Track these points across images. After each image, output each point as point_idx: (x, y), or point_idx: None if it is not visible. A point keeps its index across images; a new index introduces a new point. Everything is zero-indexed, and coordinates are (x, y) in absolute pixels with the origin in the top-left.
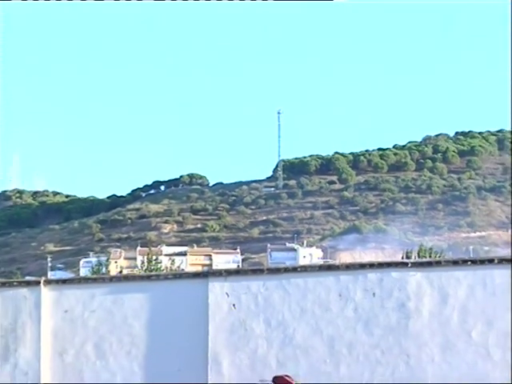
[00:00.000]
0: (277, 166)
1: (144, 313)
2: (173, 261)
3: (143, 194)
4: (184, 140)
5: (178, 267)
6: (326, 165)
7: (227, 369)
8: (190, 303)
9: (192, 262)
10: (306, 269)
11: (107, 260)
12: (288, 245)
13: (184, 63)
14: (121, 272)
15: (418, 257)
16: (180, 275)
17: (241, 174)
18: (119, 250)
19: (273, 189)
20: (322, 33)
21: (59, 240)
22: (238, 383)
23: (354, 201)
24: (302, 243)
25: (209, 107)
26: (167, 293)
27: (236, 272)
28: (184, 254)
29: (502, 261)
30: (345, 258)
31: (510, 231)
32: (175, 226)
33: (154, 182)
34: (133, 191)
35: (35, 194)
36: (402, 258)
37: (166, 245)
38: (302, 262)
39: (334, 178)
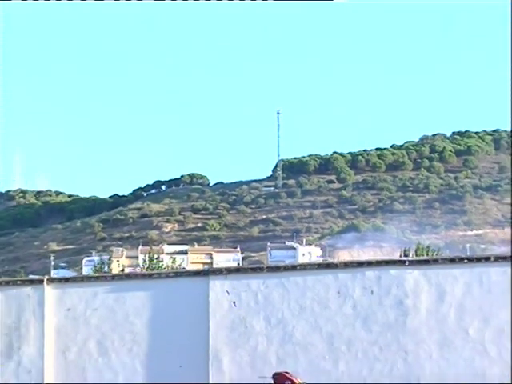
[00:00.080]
0: (276, 166)
1: (146, 311)
2: (174, 259)
3: (145, 194)
4: (185, 140)
5: (179, 266)
6: (325, 164)
7: (228, 366)
8: (190, 301)
9: (193, 260)
10: (305, 267)
11: (109, 259)
12: (287, 243)
13: (184, 63)
14: (123, 271)
15: (416, 255)
16: (181, 273)
17: (241, 174)
18: (121, 248)
19: (272, 188)
20: (321, 33)
21: (62, 239)
22: (239, 380)
23: (353, 200)
24: (301, 242)
25: (209, 108)
26: (168, 291)
27: (236, 270)
28: (185, 252)
29: (499, 259)
30: (343, 256)
31: (505, 229)
32: (176, 225)
33: (155, 182)
34: (134, 191)
35: (38, 193)
36: (400, 256)
37: (168, 243)
38: (301, 260)
39: (333, 177)
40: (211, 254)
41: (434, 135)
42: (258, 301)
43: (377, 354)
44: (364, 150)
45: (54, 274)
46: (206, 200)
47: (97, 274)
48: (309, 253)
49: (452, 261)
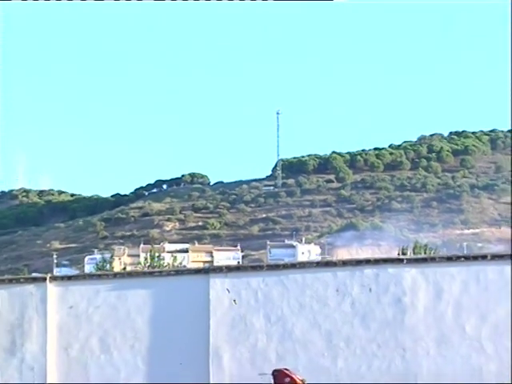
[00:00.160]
0: (276, 166)
1: (147, 308)
2: (175, 258)
3: (146, 193)
4: (185, 140)
5: (180, 264)
6: (324, 164)
7: (228, 362)
8: (191, 299)
9: (193, 258)
10: (304, 265)
11: (111, 257)
12: (287, 242)
13: (184, 63)
14: (124, 269)
15: (414, 253)
16: (182, 272)
17: (241, 173)
18: (123, 247)
19: (272, 187)
20: (320, 33)
21: (64, 238)
22: (239, 377)
23: (351, 199)
24: (301, 240)
25: (209, 108)
26: (169, 289)
27: (236, 268)
28: (186, 251)
29: (495, 257)
30: (342, 254)
31: (502, 228)
32: (177, 223)
33: (156, 181)
34: (136, 190)
35: (41, 193)
36: (398, 254)
37: (169, 242)
38: (301, 258)
39: (332, 176)
40: (212, 252)
41: (431, 135)
42: (257, 298)
43: (375, 351)
44: (362, 150)
45: (56, 272)
46: (207, 199)
47: (99, 272)
48: (308, 251)
49: (449, 259)
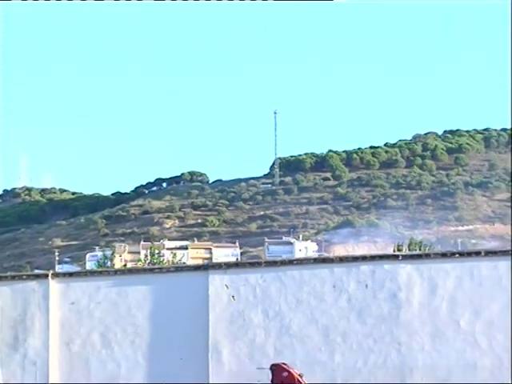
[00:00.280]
0: (273, 164)
1: (147, 304)
2: (174, 254)
3: (146, 191)
4: (185, 139)
5: (180, 261)
6: (321, 162)
7: (227, 357)
8: (191, 295)
9: (193, 255)
10: (301, 261)
11: (112, 254)
12: (284, 239)
13: (184, 64)
14: (125, 265)
15: (409, 250)
16: (181, 268)
17: (239, 172)
18: (123, 244)
19: (270, 185)
20: (318, 33)
21: (66, 235)
22: (238, 371)
23: (348, 196)
24: (298, 237)
25: (208, 108)
26: (169, 285)
27: (235, 265)
28: (185, 247)
29: (489, 253)
30: (339, 251)
31: (496, 225)
32: (177, 221)
33: (156, 180)
34: (136, 188)
35: (43, 191)
36: (394, 250)
37: (168, 239)
38: (298, 255)
39: (328, 174)
40: (211, 249)
41: (426, 134)
42: (256, 294)
43: (371, 346)
44: (358, 148)
45: (58, 268)
46: (206, 197)
47: (100, 269)
48: (305, 248)
49: (444, 255)
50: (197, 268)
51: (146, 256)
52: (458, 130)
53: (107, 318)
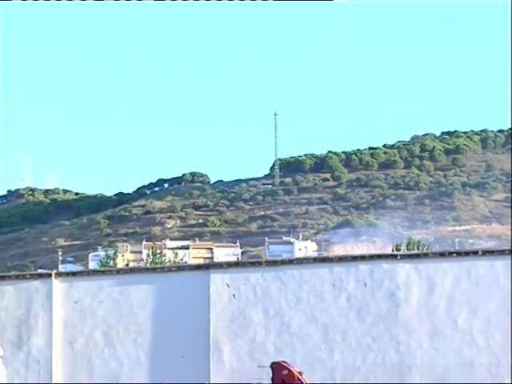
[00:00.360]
0: (274, 165)
1: (149, 303)
2: (176, 254)
3: (148, 192)
4: (186, 140)
5: (181, 260)
6: (320, 163)
7: (228, 355)
8: (192, 294)
9: (194, 255)
10: (301, 261)
11: (114, 253)
12: (284, 238)
13: (185, 65)
14: (127, 265)
15: (407, 249)
16: (183, 267)
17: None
18: (126, 244)
19: (270, 186)
20: (318, 33)
21: (69, 235)
22: (238, 369)
23: (347, 197)
24: (298, 237)
25: (209, 109)
26: (171, 284)
27: (236, 264)
28: (187, 247)
29: (486, 253)
30: (338, 250)
31: (493, 225)
32: (178, 221)
33: (158, 180)
34: (138, 189)
35: (47, 191)
36: (392, 250)
37: (170, 239)
38: (298, 254)
39: (328, 175)
40: (212, 248)
41: (424, 135)
42: (256, 293)
43: (370, 344)
44: (357, 149)
45: (61, 268)
46: (207, 197)
47: (102, 269)
48: (305, 247)
49: (441, 255)
50: (198, 267)
51: (148, 255)
52: (455, 131)
53: (110, 316)
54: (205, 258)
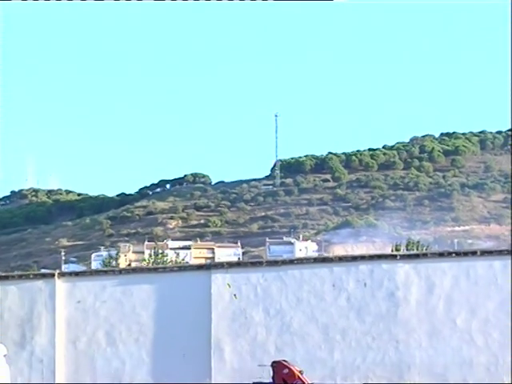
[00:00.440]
0: (274, 166)
1: (151, 303)
2: (178, 254)
3: (150, 192)
4: (188, 141)
5: (183, 260)
6: (321, 164)
7: (229, 354)
8: (194, 294)
9: (196, 255)
10: (301, 261)
11: (117, 254)
12: (285, 239)
13: (186, 66)
14: (129, 265)
15: (406, 249)
16: (184, 268)
17: (241, 173)
18: (128, 244)
19: (271, 187)
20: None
21: (72, 235)
22: (239, 368)
23: (347, 197)
24: (298, 237)
25: (211, 111)
26: (173, 284)
27: (237, 264)
28: (188, 247)
29: (485, 253)
30: (338, 250)
31: (491, 225)
32: (180, 221)
33: (160, 181)
34: (140, 189)
35: (50, 192)
36: (392, 250)
37: (172, 239)
38: (299, 254)
39: (328, 176)
40: (213, 249)
41: (423, 136)
42: (257, 293)
43: (370, 343)
44: (357, 151)
45: (64, 268)
46: (208, 198)
47: (105, 269)
48: (305, 248)
49: (441, 255)
50: (199, 267)
51: (150, 256)
52: (454, 132)
53: (112, 316)
54: (206, 258)
